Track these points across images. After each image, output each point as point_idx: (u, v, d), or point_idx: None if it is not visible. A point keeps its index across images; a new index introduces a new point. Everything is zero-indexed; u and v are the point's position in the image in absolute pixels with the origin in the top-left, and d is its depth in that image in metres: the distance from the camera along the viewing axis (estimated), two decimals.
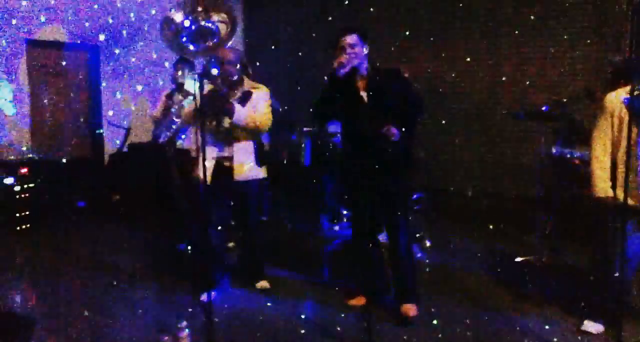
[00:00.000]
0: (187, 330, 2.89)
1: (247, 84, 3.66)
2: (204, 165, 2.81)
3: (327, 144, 5.12)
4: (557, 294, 3.64)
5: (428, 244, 4.78)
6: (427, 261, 4.41)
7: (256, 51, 8.10)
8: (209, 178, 3.47)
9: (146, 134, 5.81)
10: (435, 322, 3.27)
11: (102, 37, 6.65)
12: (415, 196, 4.82)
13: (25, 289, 4.01)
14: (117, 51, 6.83)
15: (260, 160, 3.64)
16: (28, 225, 5.33)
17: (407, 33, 6.83)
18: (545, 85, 6.20)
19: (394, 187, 3.28)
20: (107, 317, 3.39)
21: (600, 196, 3.00)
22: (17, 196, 5.31)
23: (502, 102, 6.54)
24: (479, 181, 6.63)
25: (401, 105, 3.20)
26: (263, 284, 3.86)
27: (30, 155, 5.58)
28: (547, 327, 3.19)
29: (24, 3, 5.87)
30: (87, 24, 6.47)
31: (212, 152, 3.54)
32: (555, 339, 3.04)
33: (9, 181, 5.25)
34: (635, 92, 2.73)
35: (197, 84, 2.89)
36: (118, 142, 6.43)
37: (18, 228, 5.26)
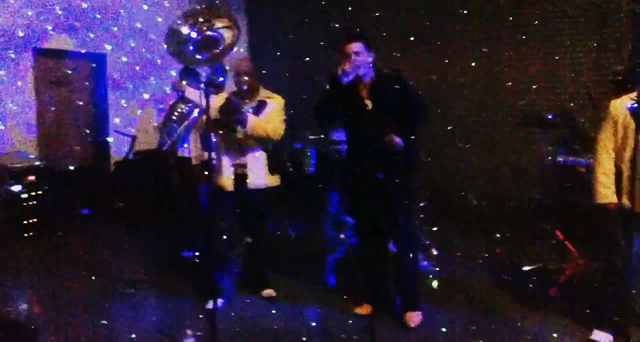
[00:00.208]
0: (191, 339, 2.89)
1: (263, 93, 3.70)
2: (205, 169, 2.82)
3: (331, 152, 5.12)
4: (565, 303, 3.61)
5: (435, 252, 4.76)
6: (437, 269, 4.39)
7: (260, 58, 8.14)
8: (231, 186, 3.55)
9: (152, 142, 5.85)
10: (440, 329, 3.26)
11: (108, 46, 6.70)
12: (420, 204, 4.81)
13: (31, 296, 4.02)
14: (123, 59, 6.87)
15: (271, 169, 3.66)
16: (35, 232, 5.35)
17: (407, 38, 6.83)
18: (547, 89, 6.19)
19: (398, 194, 3.27)
20: (111, 325, 3.39)
21: (601, 202, 2.99)
22: (24, 204, 5.34)
23: (504, 107, 6.52)
24: (482, 188, 6.61)
25: (405, 111, 3.19)
26: (269, 292, 3.85)
27: (37, 163, 5.60)
28: (555, 335, 3.17)
29: (30, 12, 5.92)
30: (93, 33, 6.52)
31: (227, 161, 3.61)
32: None
33: (16, 188, 5.28)
34: None
35: (202, 93, 2.92)
36: (126, 149, 6.47)
37: (25, 235, 5.29)
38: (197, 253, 4.59)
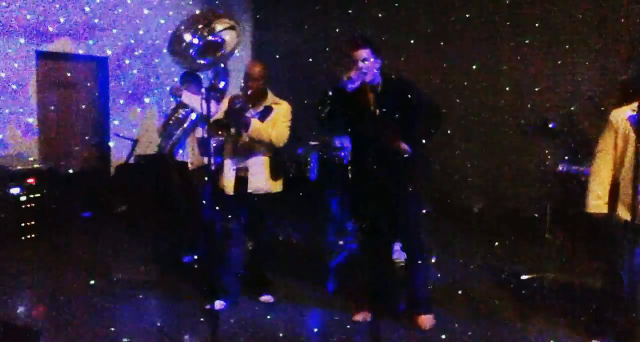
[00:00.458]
0: (192, 340, 2.88)
1: (270, 99, 3.70)
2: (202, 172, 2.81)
3: (333, 158, 5.12)
4: (565, 312, 3.59)
5: (433, 260, 4.72)
6: (438, 275, 4.37)
7: (264, 61, 8.14)
8: (231, 189, 3.57)
9: (152, 146, 5.85)
10: (440, 335, 3.24)
11: (110, 50, 6.72)
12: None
13: (30, 299, 4.01)
14: (125, 62, 6.89)
15: (274, 174, 3.66)
16: (34, 235, 5.34)
17: (408, 39, 6.83)
18: (550, 96, 6.18)
19: (404, 200, 3.25)
20: (111, 328, 3.37)
21: (591, 212, 2.97)
22: (24, 206, 5.33)
23: (505, 109, 6.50)
24: (483, 191, 6.60)
25: (415, 118, 3.16)
26: (267, 298, 3.84)
27: (38, 166, 5.60)
28: None
29: (32, 16, 5.93)
30: (95, 36, 6.54)
31: (230, 164, 3.63)
32: None
33: (15, 190, 5.27)
34: None
35: (201, 98, 2.92)
36: (127, 152, 6.47)
37: (23, 238, 5.28)
38: (195, 257, 4.58)
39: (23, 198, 5.32)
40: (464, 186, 6.75)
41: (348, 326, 3.41)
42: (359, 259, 4.44)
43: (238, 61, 7.05)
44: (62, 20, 6.17)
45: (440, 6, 6.97)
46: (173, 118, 4.46)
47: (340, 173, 5.04)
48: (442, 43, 6.79)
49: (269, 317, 3.58)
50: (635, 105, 2.81)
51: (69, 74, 6.45)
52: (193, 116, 4.40)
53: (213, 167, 3.54)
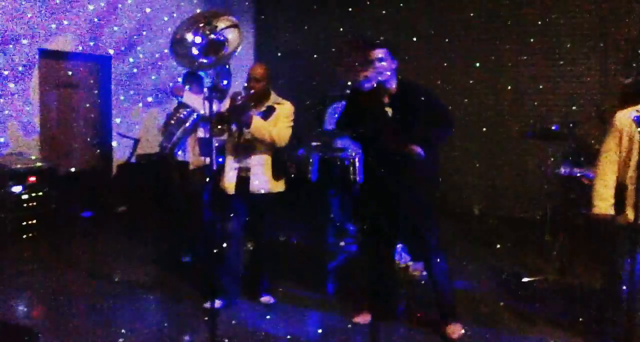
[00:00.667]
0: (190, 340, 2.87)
1: (273, 99, 3.72)
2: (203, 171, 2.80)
3: (334, 159, 5.11)
4: (564, 316, 3.58)
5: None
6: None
7: (265, 62, 8.14)
8: (232, 189, 3.58)
9: (154, 145, 5.84)
10: (440, 338, 3.24)
11: (112, 48, 6.72)
12: None
13: (26, 297, 4.00)
14: (129, 60, 6.89)
15: (276, 174, 3.65)
16: (34, 233, 5.34)
17: (409, 44, 6.83)
18: (551, 102, 6.18)
19: (417, 205, 3.22)
20: (110, 328, 3.36)
21: (598, 214, 2.96)
22: (25, 204, 5.33)
23: (508, 119, 6.51)
24: (484, 196, 6.58)
25: (428, 123, 3.14)
26: (267, 299, 3.84)
27: (39, 164, 5.60)
28: None
29: (35, 14, 5.93)
30: (98, 35, 6.54)
31: (232, 164, 3.63)
32: None
33: (17, 189, 5.27)
34: None
35: (203, 98, 2.92)
36: (129, 152, 6.47)
37: (24, 236, 5.28)
38: (194, 257, 4.57)
39: (24, 197, 5.32)
40: (464, 188, 6.75)
41: (348, 327, 3.40)
42: (359, 260, 4.43)
43: (240, 61, 7.08)
44: (64, 18, 6.17)
45: (440, 7, 6.97)
46: (174, 118, 4.47)
47: (342, 174, 5.03)
48: (442, 44, 6.80)
49: (268, 317, 3.57)
50: (639, 106, 2.80)
51: (70, 73, 6.45)
52: (194, 116, 4.40)
53: (215, 167, 3.53)
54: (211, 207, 3.78)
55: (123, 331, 3.32)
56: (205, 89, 3.11)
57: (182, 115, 4.43)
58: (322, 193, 5.27)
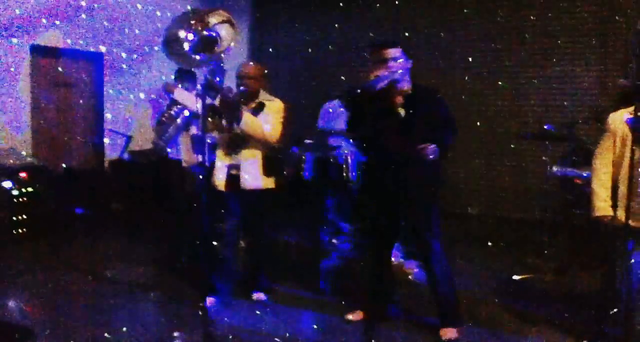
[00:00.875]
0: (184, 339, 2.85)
1: (262, 96, 3.72)
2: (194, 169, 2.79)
3: (328, 157, 5.08)
4: (559, 316, 3.58)
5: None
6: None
7: (261, 60, 8.12)
8: (223, 186, 3.56)
9: (147, 142, 5.81)
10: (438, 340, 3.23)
11: (104, 45, 6.67)
12: None
13: (23, 297, 3.97)
14: (121, 57, 6.84)
15: (267, 171, 3.63)
16: (25, 229, 5.29)
17: (408, 45, 6.83)
18: (549, 99, 6.18)
19: (419, 206, 3.20)
20: (105, 327, 3.34)
21: (598, 215, 2.96)
22: (15, 200, 5.28)
23: (505, 121, 6.51)
24: (481, 202, 6.59)
25: (435, 126, 3.13)
26: (259, 296, 3.83)
27: (30, 160, 5.55)
28: None
29: (27, 9, 5.87)
30: (90, 32, 6.48)
31: (222, 161, 3.63)
32: None
33: (7, 184, 5.22)
34: (639, 113, 2.70)
35: (196, 95, 2.90)
36: (121, 148, 6.43)
37: (14, 232, 5.23)
38: (190, 256, 4.55)
39: (15, 192, 5.27)
40: (461, 189, 6.75)
41: (341, 326, 3.39)
42: (353, 258, 4.43)
43: (236, 59, 7.04)
44: (55, 14, 6.11)
45: (440, 7, 6.96)
46: (166, 115, 4.45)
47: (336, 173, 5.01)
48: (442, 44, 6.79)
49: (263, 316, 3.56)
50: (632, 108, 2.80)
51: (61, 69, 6.39)
52: (186, 113, 4.38)
53: (208, 165, 3.52)
54: (204, 205, 3.77)
55: (118, 329, 3.30)
56: (199, 86, 3.09)
57: (174, 112, 4.41)
58: (316, 191, 5.25)
